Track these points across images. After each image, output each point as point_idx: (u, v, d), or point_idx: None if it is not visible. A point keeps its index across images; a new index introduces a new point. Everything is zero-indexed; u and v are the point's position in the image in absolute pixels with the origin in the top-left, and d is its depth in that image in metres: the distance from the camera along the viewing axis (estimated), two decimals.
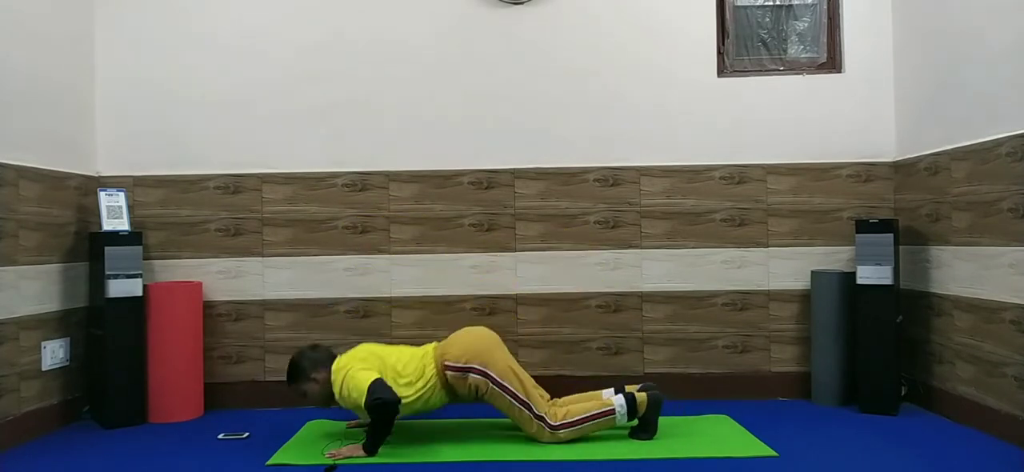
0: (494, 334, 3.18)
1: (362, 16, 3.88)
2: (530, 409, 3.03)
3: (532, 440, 3.05)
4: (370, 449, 2.90)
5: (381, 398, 2.84)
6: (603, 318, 3.86)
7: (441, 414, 3.54)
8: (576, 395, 3.21)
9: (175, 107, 3.86)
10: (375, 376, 2.93)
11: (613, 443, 3.05)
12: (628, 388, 3.15)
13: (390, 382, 2.96)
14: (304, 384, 3.10)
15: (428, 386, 3.04)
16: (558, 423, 3.03)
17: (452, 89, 3.89)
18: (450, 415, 3.53)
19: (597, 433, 3.11)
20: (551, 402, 3.13)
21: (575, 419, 3.04)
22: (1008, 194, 2.99)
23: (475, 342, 3.10)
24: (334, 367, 3.05)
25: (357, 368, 2.96)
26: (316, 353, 3.15)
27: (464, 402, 3.15)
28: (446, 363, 3.04)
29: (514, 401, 3.03)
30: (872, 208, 3.83)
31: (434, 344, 3.15)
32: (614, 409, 3.05)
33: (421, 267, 3.85)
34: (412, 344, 3.22)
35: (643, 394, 3.10)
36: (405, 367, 3.05)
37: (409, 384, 3.02)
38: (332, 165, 3.87)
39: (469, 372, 3.02)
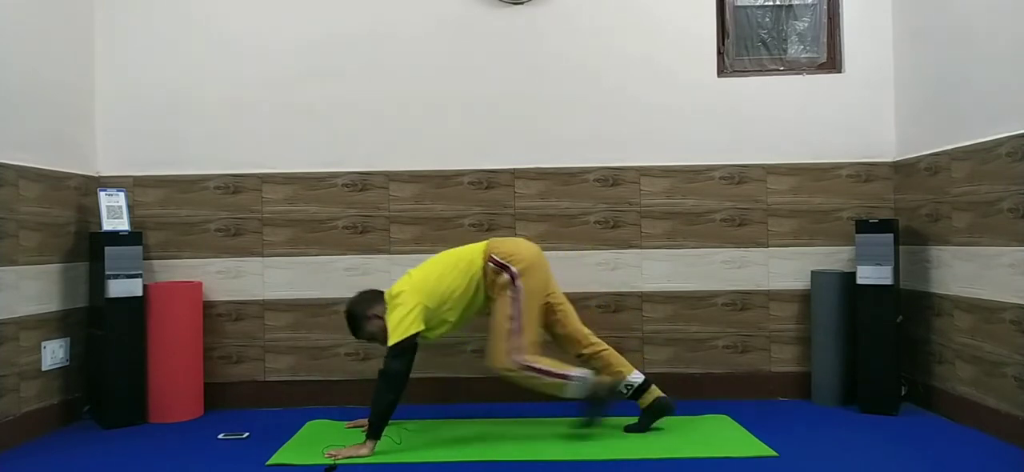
0: (546, 262, 3.24)
1: (362, 15, 3.88)
2: (511, 340, 3.04)
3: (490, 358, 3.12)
4: (373, 433, 2.91)
5: (388, 370, 2.90)
6: (604, 318, 3.86)
7: (440, 414, 3.55)
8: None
9: (175, 107, 3.86)
10: (415, 329, 2.96)
11: (613, 443, 3.05)
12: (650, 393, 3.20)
13: (438, 302, 3.05)
14: (368, 326, 3.15)
15: (469, 291, 3.12)
16: (522, 363, 3.05)
17: (452, 89, 3.89)
18: (450, 415, 3.54)
19: (596, 430, 3.13)
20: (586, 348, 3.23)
21: (537, 367, 3.07)
22: (1008, 194, 2.99)
23: (526, 252, 3.17)
24: (387, 295, 3.12)
25: (407, 304, 2.99)
26: (364, 294, 3.23)
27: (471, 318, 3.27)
28: (493, 255, 3.12)
29: (507, 322, 3.05)
30: (872, 208, 3.83)
31: (489, 243, 3.21)
32: (570, 377, 3.07)
33: None
34: None
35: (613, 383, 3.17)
36: (454, 287, 3.10)
37: (451, 309, 3.10)
38: (332, 165, 3.87)
39: (504, 271, 3.09)
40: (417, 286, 3.08)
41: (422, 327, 3.00)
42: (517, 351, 3.06)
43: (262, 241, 3.86)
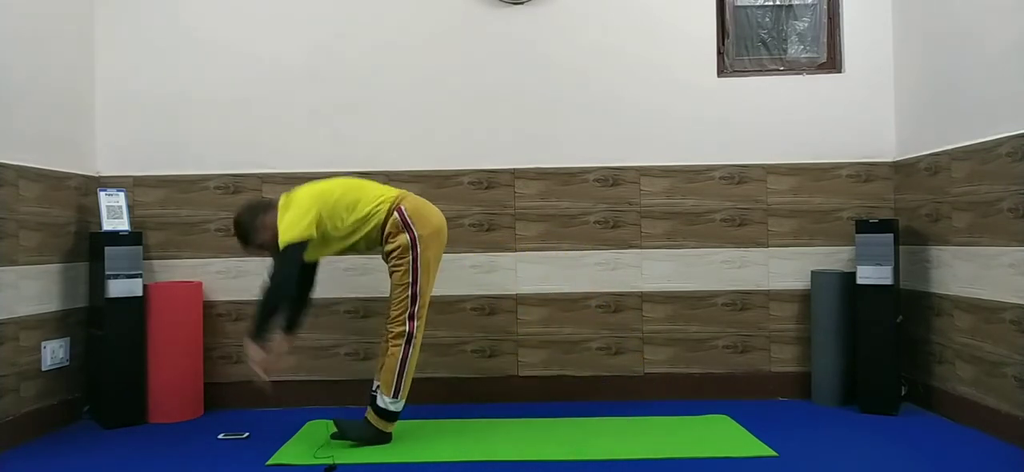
0: (445, 237, 3.16)
1: (362, 16, 3.88)
2: (413, 304, 3.01)
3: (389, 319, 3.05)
4: (253, 332, 2.91)
5: (276, 276, 2.86)
6: (603, 318, 3.86)
7: (441, 414, 3.55)
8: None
9: (175, 107, 3.86)
10: (308, 234, 2.89)
11: (613, 443, 3.05)
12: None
13: (331, 216, 2.96)
14: (258, 236, 3.01)
15: (369, 220, 3.02)
16: (414, 335, 3.02)
17: (452, 89, 3.89)
18: (450, 415, 3.54)
19: (595, 441, 3.10)
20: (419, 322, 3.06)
21: (407, 354, 3.03)
22: (1008, 194, 2.99)
23: (434, 219, 3.09)
24: (280, 204, 3.01)
25: (303, 206, 2.91)
26: (253, 202, 3.13)
27: (359, 251, 3.21)
28: (402, 207, 3.03)
29: (410, 286, 3.00)
30: (872, 208, 3.83)
31: (403, 194, 3.13)
32: (386, 402, 3.04)
33: None
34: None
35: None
36: (353, 209, 3.01)
37: (341, 231, 3.02)
38: (331, 165, 3.86)
39: (407, 230, 3.00)
40: (317, 195, 2.99)
41: (314, 234, 2.91)
42: (416, 317, 3.01)
43: None
